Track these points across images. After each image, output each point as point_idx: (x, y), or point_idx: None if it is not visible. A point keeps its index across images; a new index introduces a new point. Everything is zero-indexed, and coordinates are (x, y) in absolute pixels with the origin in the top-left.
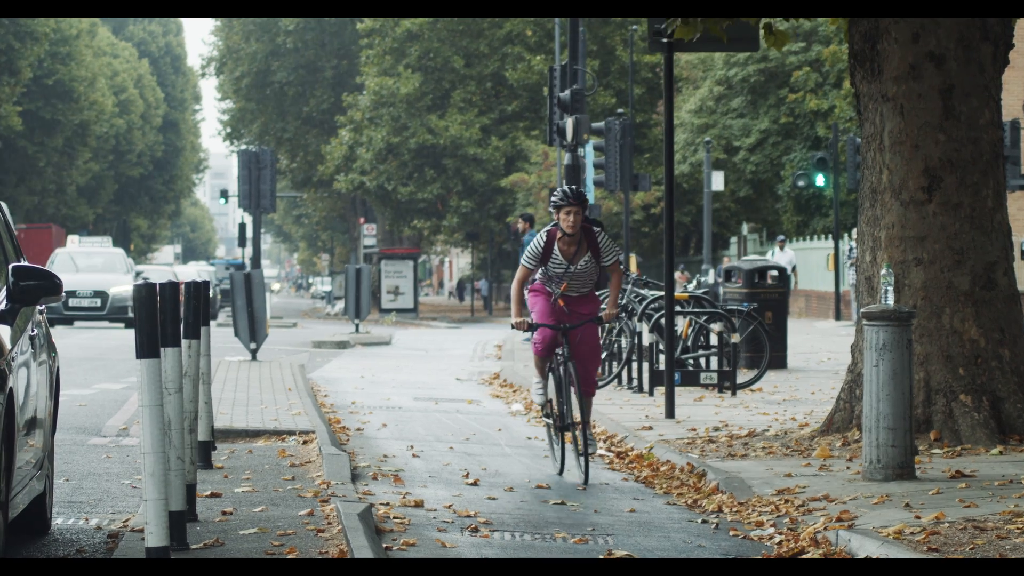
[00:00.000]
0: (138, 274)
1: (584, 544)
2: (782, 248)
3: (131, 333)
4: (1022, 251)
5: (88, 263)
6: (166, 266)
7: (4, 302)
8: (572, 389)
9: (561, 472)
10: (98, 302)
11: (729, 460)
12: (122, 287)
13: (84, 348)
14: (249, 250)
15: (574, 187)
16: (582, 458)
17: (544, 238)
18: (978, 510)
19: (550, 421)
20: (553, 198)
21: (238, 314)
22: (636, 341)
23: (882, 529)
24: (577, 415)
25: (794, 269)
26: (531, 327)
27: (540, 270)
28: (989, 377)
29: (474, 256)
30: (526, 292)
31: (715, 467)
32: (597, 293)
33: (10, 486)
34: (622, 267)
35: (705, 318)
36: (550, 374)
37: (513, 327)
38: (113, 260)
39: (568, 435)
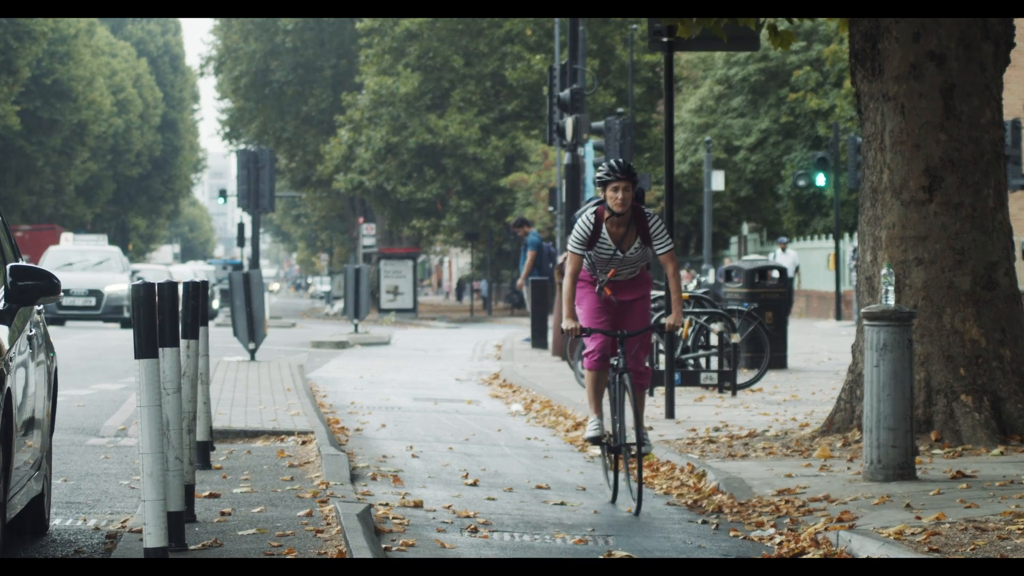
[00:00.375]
0: (134, 273)
1: (584, 545)
2: (784, 250)
3: (128, 333)
4: (1023, 251)
5: (82, 261)
6: (162, 266)
7: (2, 302)
8: (627, 404)
9: (614, 501)
10: (92, 301)
11: (729, 460)
12: (117, 286)
13: (82, 348)
14: (248, 250)
15: (621, 160)
16: (635, 484)
17: (592, 218)
18: (979, 511)
19: (605, 443)
20: (598, 173)
21: (237, 314)
22: None
23: (883, 530)
24: (631, 434)
25: (797, 270)
26: (583, 333)
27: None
28: (990, 377)
29: (473, 256)
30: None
31: (715, 467)
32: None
33: (8, 487)
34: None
35: (705, 318)
36: (605, 397)
37: (563, 332)
38: (108, 258)
39: (621, 458)
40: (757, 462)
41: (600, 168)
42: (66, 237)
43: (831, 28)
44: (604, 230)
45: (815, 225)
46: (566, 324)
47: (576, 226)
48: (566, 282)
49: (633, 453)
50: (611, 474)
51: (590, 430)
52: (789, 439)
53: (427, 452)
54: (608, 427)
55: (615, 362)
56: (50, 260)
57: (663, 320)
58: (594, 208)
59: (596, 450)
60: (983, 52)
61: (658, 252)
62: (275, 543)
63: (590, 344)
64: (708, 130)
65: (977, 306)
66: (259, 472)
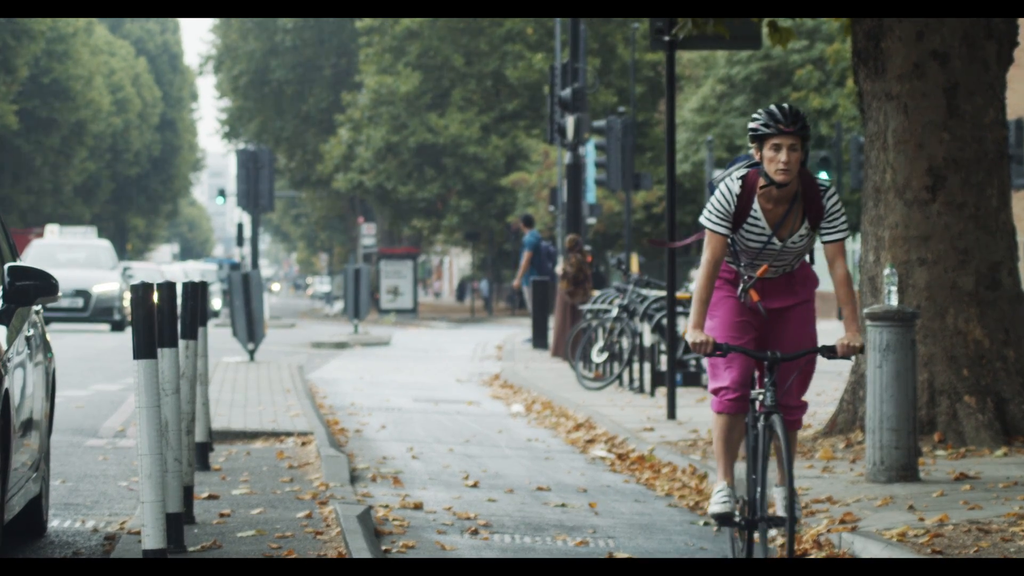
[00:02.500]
0: (125, 270)
1: (585, 546)
2: None
3: (122, 335)
4: None
5: (69, 257)
6: (153, 264)
7: (0, 302)
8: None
9: None
10: (80, 302)
11: None
12: (107, 285)
13: (81, 349)
14: (247, 249)
15: (787, 105)
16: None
17: (737, 186)
18: (982, 512)
19: (739, 520)
20: (753, 124)
21: (236, 314)
22: (637, 342)
23: (885, 531)
24: (777, 503)
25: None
26: (718, 352)
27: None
28: (993, 378)
29: (474, 256)
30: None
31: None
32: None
33: (6, 488)
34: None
35: None
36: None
37: (691, 347)
38: (97, 254)
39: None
40: None
41: (756, 116)
42: (51, 229)
43: (833, 27)
44: (756, 205)
45: None
46: (693, 336)
47: (714, 195)
48: (702, 272)
49: (779, 529)
50: (740, 549)
51: (717, 503)
52: None
53: (427, 453)
54: (741, 487)
55: (760, 397)
56: (33, 255)
57: (835, 343)
58: (743, 172)
59: (599, 451)
60: (986, 51)
61: (826, 239)
62: (274, 545)
63: (723, 373)
64: (710, 129)
65: (980, 306)
66: (258, 473)
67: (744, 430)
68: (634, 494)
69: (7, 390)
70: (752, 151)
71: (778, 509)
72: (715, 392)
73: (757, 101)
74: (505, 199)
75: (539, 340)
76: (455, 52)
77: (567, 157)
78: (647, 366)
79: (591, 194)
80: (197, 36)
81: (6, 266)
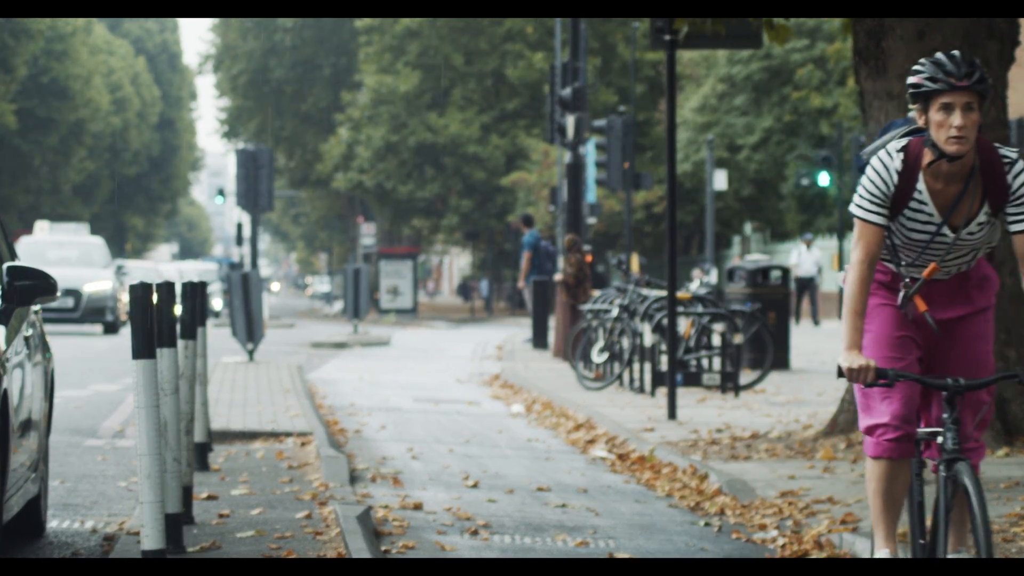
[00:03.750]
0: (119, 268)
1: (585, 547)
2: (808, 247)
3: (117, 337)
4: None
5: (60, 255)
6: (150, 263)
7: None
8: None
9: None
10: (70, 302)
11: (732, 462)
12: (99, 284)
13: (79, 349)
14: (246, 249)
15: (958, 53)
16: None
17: (898, 160)
18: None
19: None
20: (914, 78)
21: (235, 314)
22: (638, 342)
23: None
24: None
25: (820, 271)
26: (881, 378)
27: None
28: None
29: (474, 256)
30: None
31: (718, 469)
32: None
33: (4, 488)
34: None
35: (708, 318)
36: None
37: (846, 374)
38: (89, 252)
39: None
40: (760, 464)
41: (919, 67)
42: (41, 226)
43: (834, 26)
44: (921, 183)
45: (818, 224)
46: (849, 359)
47: (866, 174)
48: (853, 276)
49: None
50: None
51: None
52: (792, 440)
53: (427, 453)
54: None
55: (936, 439)
56: (22, 253)
57: None
58: (903, 142)
59: (600, 451)
60: (988, 50)
61: (1014, 229)
62: (274, 545)
63: (879, 406)
64: (710, 129)
65: None
66: (258, 474)
67: (909, 479)
68: (634, 494)
69: (6, 390)
70: (914, 114)
71: None
72: (869, 431)
73: (758, 100)
74: (505, 199)
75: (539, 340)
76: (455, 51)
77: (567, 156)
78: (647, 366)
79: (591, 194)
80: (196, 35)
81: (5, 266)
